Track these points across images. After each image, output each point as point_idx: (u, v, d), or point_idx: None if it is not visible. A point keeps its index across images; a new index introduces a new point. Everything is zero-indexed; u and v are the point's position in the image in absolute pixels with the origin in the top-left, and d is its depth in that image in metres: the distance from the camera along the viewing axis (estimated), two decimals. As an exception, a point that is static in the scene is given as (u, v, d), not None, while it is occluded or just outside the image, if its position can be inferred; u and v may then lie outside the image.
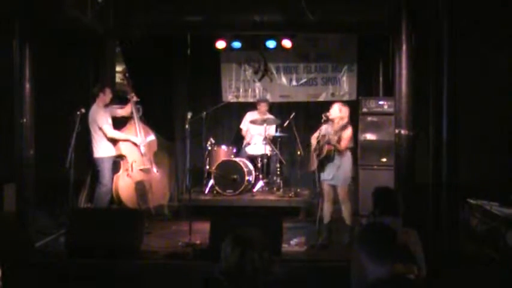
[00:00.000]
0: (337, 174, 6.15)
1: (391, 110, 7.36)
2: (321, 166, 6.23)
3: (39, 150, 6.56)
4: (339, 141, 6.10)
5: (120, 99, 7.70)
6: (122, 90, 7.76)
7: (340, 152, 6.13)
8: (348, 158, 6.23)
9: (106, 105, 7.08)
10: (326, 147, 6.12)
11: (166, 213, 7.67)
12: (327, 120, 6.24)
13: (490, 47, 6.73)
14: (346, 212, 6.22)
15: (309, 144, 6.61)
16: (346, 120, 6.20)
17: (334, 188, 6.24)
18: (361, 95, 8.47)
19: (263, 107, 8.55)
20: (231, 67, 9.30)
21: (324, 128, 6.31)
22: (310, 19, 6.62)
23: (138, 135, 7.22)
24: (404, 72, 6.08)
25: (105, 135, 6.90)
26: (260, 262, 2.44)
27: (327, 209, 6.26)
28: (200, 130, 7.98)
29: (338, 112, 6.18)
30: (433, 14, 5.88)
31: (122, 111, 7.33)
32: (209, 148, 8.13)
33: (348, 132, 6.16)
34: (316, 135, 6.44)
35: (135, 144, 7.18)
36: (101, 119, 6.89)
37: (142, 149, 7.21)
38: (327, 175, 6.21)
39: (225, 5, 6.95)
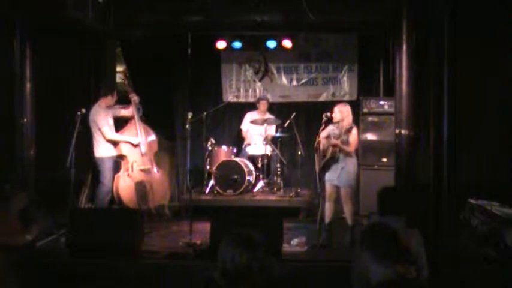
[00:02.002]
0: (341, 175, 6.15)
1: (392, 110, 7.35)
2: (326, 167, 6.23)
3: (39, 150, 6.57)
4: (345, 143, 6.10)
5: (120, 99, 7.70)
6: (122, 90, 7.76)
7: (346, 154, 6.14)
8: (352, 159, 6.24)
9: (108, 106, 7.08)
10: (331, 149, 6.12)
11: (167, 213, 7.66)
12: (328, 121, 6.25)
13: (490, 47, 6.71)
14: (348, 212, 6.23)
15: (318, 143, 6.50)
16: (350, 121, 6.20)
17: (337, 188, 6.24)
18: (361, 95, 8.47)
19: (263, 105, 8.55)
20: (231, 67, 9.30)
21: (329, 129, 6.30)
22: (310, 19, 6.62)
23: (138, 135, 7.22)
24: (404, 72, 6.07)
25: (104, 137, 6.90)
26: (265, 265, 2.43)
27: (328, 209, 6.27)
28: (201, 130, 8.00)
29: (339, 115, 6.19)
30: (433, 14, 5.88)
31: (124, 112, 7.30)
32: (210, 148, 8.14)
33: (354, 135, 6.19)
34: (323, 135, 6.41)
35: (134, 145, 7.17)
36: (101, 120, 6.88)
37: (143, 149, 7.21)
38: (331, 176, 6.21)
39: (225, 5, 6.95)
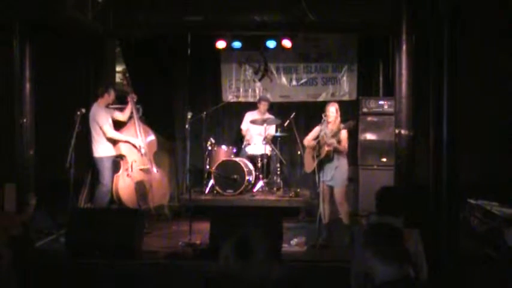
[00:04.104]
0: (334, 175, 6.21)
1: (391, 110, 7.37)
2: (321, 167, 6.25)
3: (39, 150, 6.57)
4: (338, 142, 6.15)
5: (120, 99, 7.70)
6: (122, 90, 7.76)
7: (340, 153, 6.18)
8: (344, 159, 6.30)
9: (107, 106, 7.10)
10: (326, 148, 6.13)
11: (167, 213, 7.66)
12: (323, 122, 6.30)
13: (490, 47, 6.72)
14: (343, 213, 6.28)
15: (303, 146, 6.68)
16: (339, 120, 6.27)
17: (331, 188, 6.28)
18: (361, 95, 8.48)
19: (263, 106, 8.54)
20: (231, 67, 9.30)
21: (320, 129, 6.34)
22: (310, 19, 6.62)
23: (138, 135, 7.22)
24: (404, 72, 6.07)
25: (105, 135, 6.90)
26: (260, 272, 2.43)
27: (325, 209, 6.29)
28: (200, 130, 8.00)
29: (335, 112, 6.25)
30: (433, 14, 5.88)
31: (119, 116, 7.27)
32: (209, 148, 8.13)
33: (345, 134, 6.25)
34: (309, 137, 6.51)
35: (134, 145, 7.17)
36: (102, 118, 6.90)
37: (142, 150, 7.21)
38: (325, 176, 6.25)
39: (225, 5, 6.94)
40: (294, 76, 9.21)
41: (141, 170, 7.21)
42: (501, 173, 6.67)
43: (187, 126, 6.71)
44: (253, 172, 8.06)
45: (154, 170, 7.40)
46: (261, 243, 2.49)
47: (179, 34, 8.31)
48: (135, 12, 7.05)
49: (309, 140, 6.57)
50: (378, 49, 8.69)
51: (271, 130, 8.47)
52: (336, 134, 6.13)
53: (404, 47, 6.07)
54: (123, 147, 7.10)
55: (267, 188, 8.25)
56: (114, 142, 7.04)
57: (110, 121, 7.03)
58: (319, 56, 9.14)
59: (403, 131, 6.06)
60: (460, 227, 5.88)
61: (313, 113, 8.54)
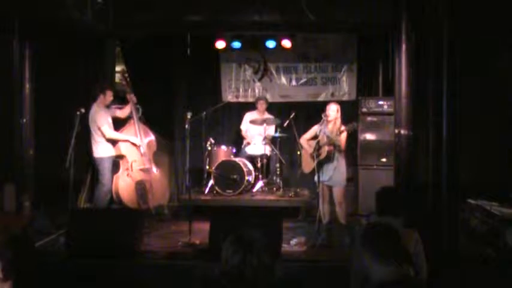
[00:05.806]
0: (333, 175, 6.22)
1: (391, 110, 7.37)
2: (320, 167, 6.25)
3: (39, 150, 6.57)
4: (339, 141, 6.16)
5: (119, 99, 7.70)
6: (121, 90, 7.76)
7: (339, 153, 6.18)
8: (343, 159, 6.31)
9: (106, 106, 7.10)
10: (326, 148, 6.13)
11: (166, 213, 7.66)
12: (323, 121, 6.30)
13: (490, 47, 6.72)
14: (340, 212, 6.29)
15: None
16: (340, 120, 6.28)
17: (330, 188, 6.29)
18: (360, 95, 8.48)
19: (261, 105, 8.54)
20: (230, 67, 9.30)
21: (319, 129, 6.34)
22: (310, 19, 6.62)
23: (137, 135, 7.22)
24: (404, 72, 6.07)
25: (104, 136, 6.90)
26: (261, 266, 2.43)
27: (325, 209, 6.31)
28: (200, 130, 7.99)
29: (336, 112, 6.26)
30: (433, 14, 5.88)
31: (120, 113, 7.31)
32: (209, 148, 8.13)
33: (345, 133, 6.25)
34: (306, 136, 6.50)
35: (134, 144, 7.18)
36: (101, 119, 6.89)
37: (142, 149, 7.21)
38: (325, 176, 6.26)
39: (225, 5, 6.95)
40: (293, 76, 9.22)
41: (141, 170, 7.21)
42: (501, 173, 6.67)
43: (186, 126, 6.70)
44: (253, 172, 8.06)
45: (154, 170, 7.40)
46: (260, 240, 2.50)
47: (179, 34, 8.31)
48: (135, 12, 7.06)
49: (306, 138, 6.56)
50: (377, 49, 8.69)
51: (271, 130, 8.47)
52: (340, 134, 6.15)
53: (404, 47, 6.07)
54: (123, 147, 7.11)
55: (266, 188, 8.25)
56: (114, 142, 7.04)
57: (110, 121, 7.03)
58: (319, 56, 9.15)
59: (403, 131, 6.05)
60: (460, 227, 5.88)
61: (312, 113, 8.51)
